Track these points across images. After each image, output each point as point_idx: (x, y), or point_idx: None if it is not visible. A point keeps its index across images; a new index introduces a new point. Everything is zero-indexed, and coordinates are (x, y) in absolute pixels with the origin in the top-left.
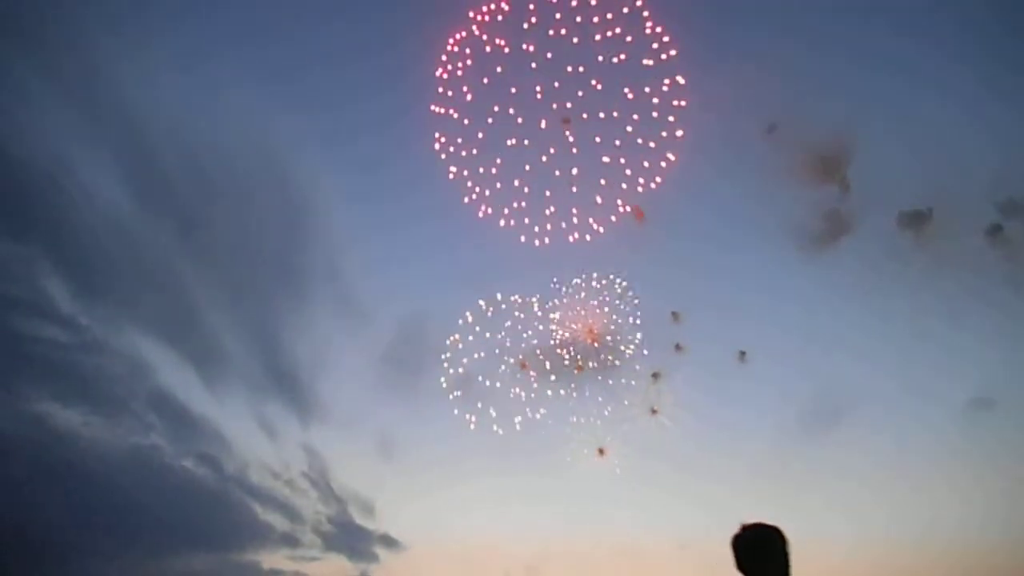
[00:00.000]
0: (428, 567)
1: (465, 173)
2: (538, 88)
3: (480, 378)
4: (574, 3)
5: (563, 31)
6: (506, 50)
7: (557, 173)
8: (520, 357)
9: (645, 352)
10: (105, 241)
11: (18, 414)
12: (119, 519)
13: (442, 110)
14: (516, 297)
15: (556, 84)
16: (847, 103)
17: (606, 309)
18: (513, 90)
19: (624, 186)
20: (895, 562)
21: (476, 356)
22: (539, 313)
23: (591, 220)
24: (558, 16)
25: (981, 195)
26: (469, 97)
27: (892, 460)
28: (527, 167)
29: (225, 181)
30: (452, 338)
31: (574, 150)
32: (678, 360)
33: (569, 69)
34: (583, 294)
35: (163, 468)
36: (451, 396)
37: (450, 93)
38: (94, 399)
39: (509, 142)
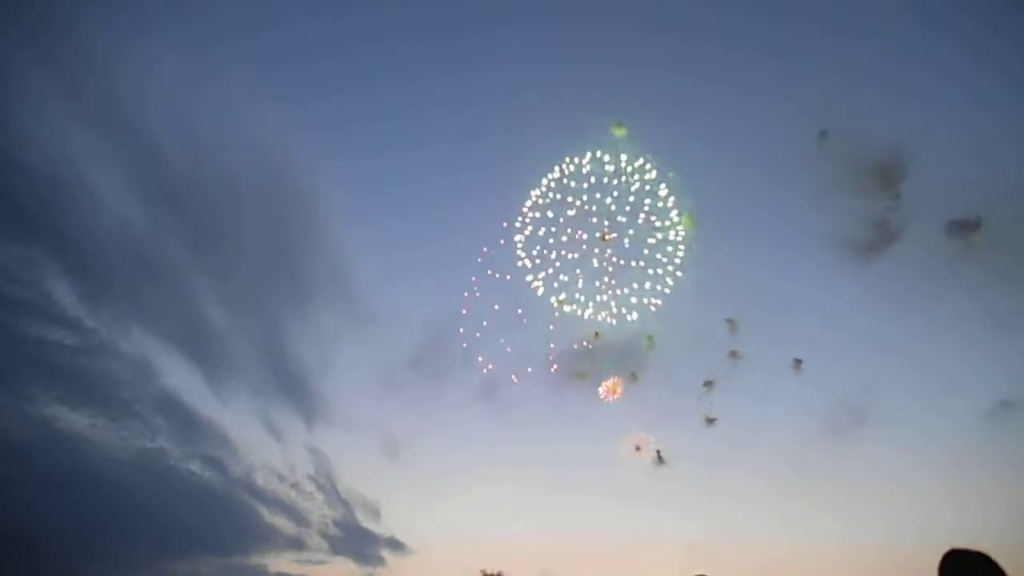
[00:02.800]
0: (435, 570)
1: None
2: None
3: (503, 380)
4: None
5: None
6: None
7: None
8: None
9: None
10: (111, 244)
11: (25, 417)
12: (125, 522)
13: None
14: (556, 299)
15: None
16: (901, 114)
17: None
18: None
19: None
20: (915, 562)
21: (500, 357)
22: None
23: None
24: None
25: None
26: None
27: (918, 462)
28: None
29: (230, 183)
30: None
31: None
32: (728, 367)
33: None
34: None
35: (169, 471)
36: (470, 398)
37: None
38: (101, 402)
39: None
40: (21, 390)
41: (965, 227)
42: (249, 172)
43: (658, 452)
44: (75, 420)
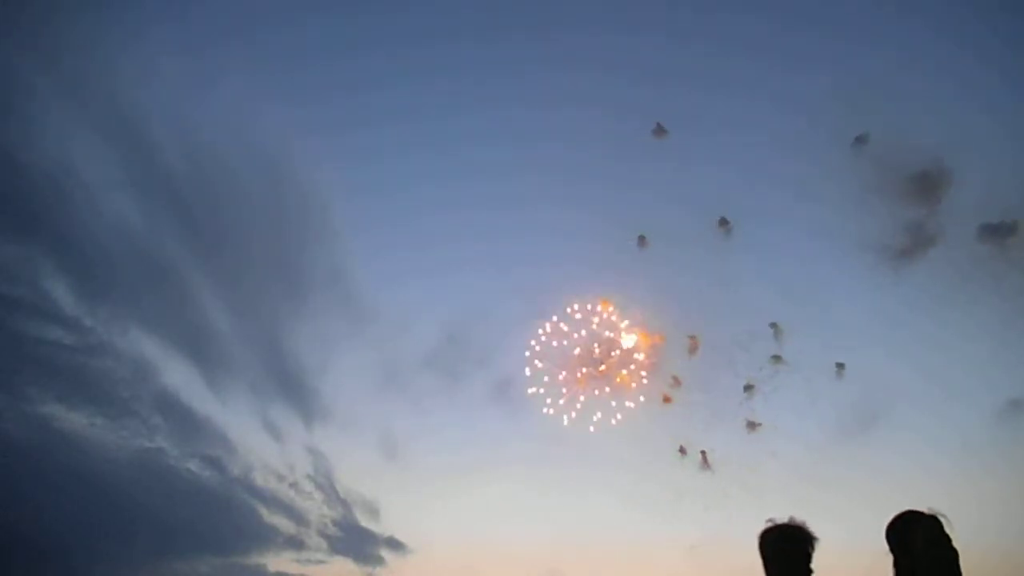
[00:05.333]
0: (435, 570)
1: None
2: None
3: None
4: None
5: None
6: None
7: None
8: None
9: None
10: (108, 242)
11: (23, 416)
12: (124, 522)
13: None
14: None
15: None
16: (944, 120)
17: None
18: None
19: None
20: None
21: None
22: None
23: None
24: None
25: None
26: None
27: (928, 463)
28: None
29: (229, 181)
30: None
31: None
32: (769, 373)
33: None
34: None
35: (168, 470)
36: (473, 398)
37: None
38: (99, 401)
39: None
40: (18, 389)
41: (1000, 231)
42: (250, 173)
43: (703, 453)
44: (73, 419)
